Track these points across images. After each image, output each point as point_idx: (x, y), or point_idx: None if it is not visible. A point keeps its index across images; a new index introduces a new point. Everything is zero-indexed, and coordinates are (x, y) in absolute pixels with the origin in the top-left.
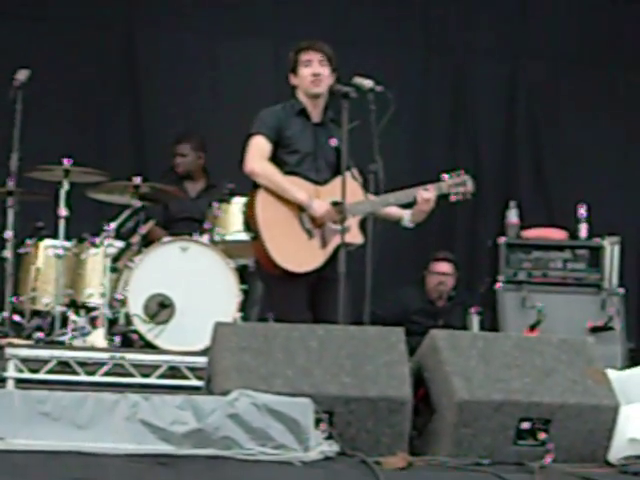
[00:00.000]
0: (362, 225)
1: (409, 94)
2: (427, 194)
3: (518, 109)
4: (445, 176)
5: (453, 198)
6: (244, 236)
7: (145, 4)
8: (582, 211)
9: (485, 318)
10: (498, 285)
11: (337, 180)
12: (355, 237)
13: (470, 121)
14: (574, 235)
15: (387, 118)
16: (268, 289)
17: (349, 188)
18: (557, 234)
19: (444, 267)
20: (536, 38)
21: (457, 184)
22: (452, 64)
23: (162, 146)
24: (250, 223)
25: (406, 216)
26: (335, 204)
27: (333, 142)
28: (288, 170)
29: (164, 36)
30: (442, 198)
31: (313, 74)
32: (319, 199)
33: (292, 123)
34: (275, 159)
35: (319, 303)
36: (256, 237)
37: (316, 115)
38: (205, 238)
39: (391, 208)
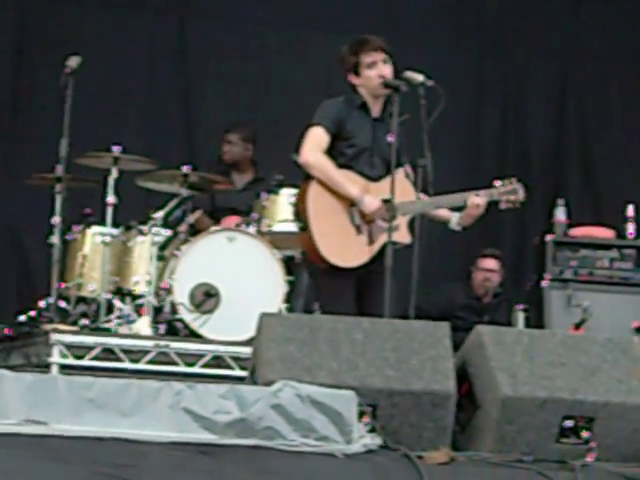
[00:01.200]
0: (411, 225)
1: (461, 93)
2: (478, 199)
3: (568, 108)
4: (497, 182)
5: (503, 205)
6: (291, 227)
7: None
8: (630, 211)
9: (531, 315)
10: (544, 283)
11: (390, 178)
12: (403, 236)
13: (520, 119)
14: (621, 234)
15: (437, 113)
16: (315, 281)
17: (402, 187)
18: (604, 233)
19: (490, 263)
20: (587, 38)
21: (508, 192)
22: (503, 64)
23: (211, 136)
24: (300, 214)
25: (454, 219)
26: (386, 201)
27: (390, 138)
28: (344, 163)
29: (215, 25)
30: (492, 204)
31: (379, 76)
32: (370, 195)
33: (353, 116)
34: (333, 151)
35: (365, 297)
36: (305, 228)
37: (376, 110)
38: (252, 228)
39: (440, 210)
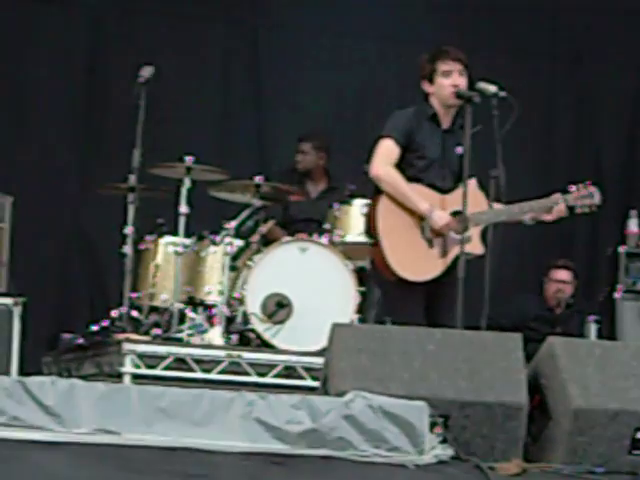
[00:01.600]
0: (484, 236)
1: (534, 101)
2: (561, 208)
3: None
4: (572, 187)
5: (579, 211)
6: (363, 238)
7: (270, 3)
8: None
9: (603, 327)
10: (617, 294)
11: (460, 189)
12: (475, 247)
13: (593, 129)
14: None
15: (510, 124)
16: (384, 294)
17: (474, 197)
18: None
19: (563, 275)
20: None
21: (583, 196)
22: (577, 73)
23: (284, 146)
24: (370, 229)
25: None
26: (457, 213)
27: (459, 150)
28: (413, 175)
29: (288, 35)
30: (569, 210)
31: (453, 85)
32: (443, 208)
33: (422, 128)
34: (402, 163)
35: (434, 308)
36: (375, 243)
37: (446, 121)
38: (324, 239)
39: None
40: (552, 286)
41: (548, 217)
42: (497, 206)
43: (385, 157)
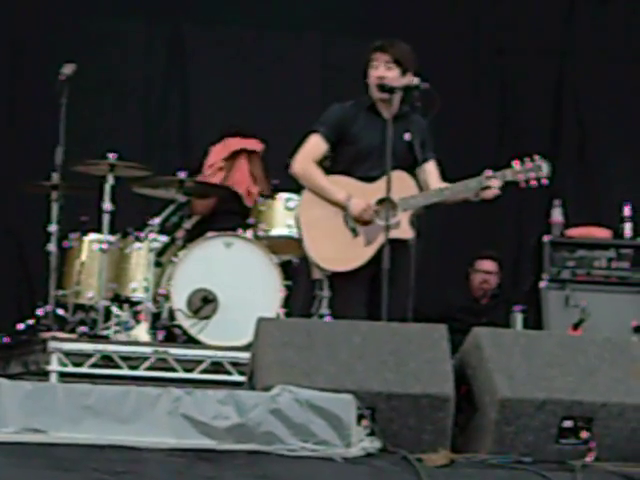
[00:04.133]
0: (414, 220)
1: (457, 92)
2: (493, 184)
3: (565, 108)
4: (516, 162)
5: (523, 185)
6: (288, 232)
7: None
8: (627, 210)
9: (529, 316)
10: (542, 284)
11: (392, 176)
12: (405, 232)
13: (517, 120)
14: (619, 234)
15: (432, 115)
16: (329, 287)
17: (401, 183)
18: (601, 233)
19: (488, 265)
20: (583, 39)
21: (529, 169)
22: (500, 64)
23: (208, 141)
24: (296, 224)
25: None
26: (384, 200)
27: (407, 137)
28: (346, 167)
29: (211, 30)
30: (511, 185)
31: (377, 77)
32: (372, 197)
33: (359, 119)
34: (338, 155)
35: (380, 299)
36: (300, 238)
37: (388, 111)
38: (249, 233)
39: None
40: (477, 277)
41: (484, 195)
42: (435, 186)
43: (308, 153)
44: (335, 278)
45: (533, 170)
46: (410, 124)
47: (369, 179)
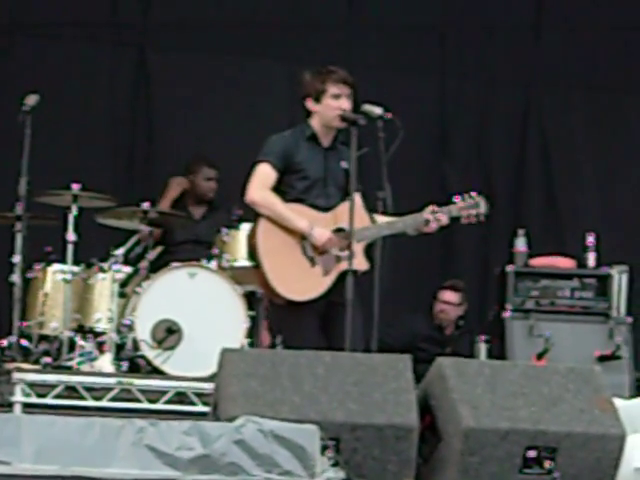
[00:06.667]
0: (368, 251)
1: (424, 120)
2: (440, 218)
3: (531, 137)
4: (457, 198)
5: (465, 221)
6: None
7: (157, 27)
8: (590, 240)
9: (493, 346)
10: (506, 313)
11: (343, 206)
12: (360, 264)
13: (484, 148)
14: (582, 264)
15: (396, 145)
16: (277, 317)
17: (356, 214)
18: (565, 262)
19: (448, 296)
20: (550, 68)
21: (469, 206)
22: (467, 92)
23: (172, 171)
24: (252, 252)
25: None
26: (339, 230)
27: (344, 165)
28: (295, 197)
29: (176, 58)
30: (453, 220)
31: (340, 108)
32: (326, 226)
33: (302, 148)
34: (283, 186)
35: (331, 330)
36: (257, 266)
37: (327, 140)
38: (213, 264)
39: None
40: (437, 306)
41: (427, 229)
42: (380, 220)
43: (260, 182)
44: (290, 307)
45: (473, 207)
46: (342, 153)
47: (317, 208)
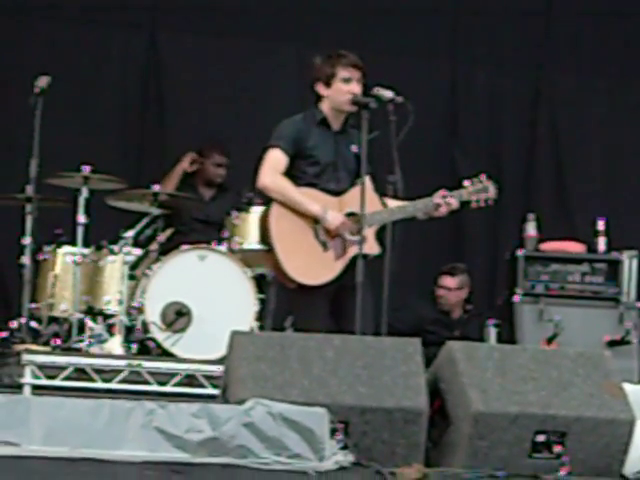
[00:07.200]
0: (380, 235)
1: (435, 104)
2: (450, 202)
3: (541, 122)
4: (467, 182)
5: (474, 205)
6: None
7: (169, 10)
8: (601, 224)
9: (502, 330)
10: (516, 298)
11: (353, 190)
12: (371, 248)
13: (494, 133)
14: (592, 249)
15: (407, 129)
16: (288, 300)
17: (368, 198)
18: (575, 247)
19: (446, 281)
20: (560, 53)
21: (479, 190)
22: (477, 76)
23: (182, 153)
24: (264, 236)
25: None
26: (351, 214)
27: (354, 149)
28: (307, 182)
29: (187, 41)
30: (463, 205)
31: (352, 93)
32: (339, 210)
33: (313, 133)
34: (294, 171)
35: (342, 313)
36: (270, 250)
37: (337, 124)
38: (223, 247)
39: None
40: (437, 291)
41: (438, 213)
42: (391, 204)
43: (272, 167)
44: (301, 291)
45: (482, 191)
46: (352, 137)
47: (328, 192)
